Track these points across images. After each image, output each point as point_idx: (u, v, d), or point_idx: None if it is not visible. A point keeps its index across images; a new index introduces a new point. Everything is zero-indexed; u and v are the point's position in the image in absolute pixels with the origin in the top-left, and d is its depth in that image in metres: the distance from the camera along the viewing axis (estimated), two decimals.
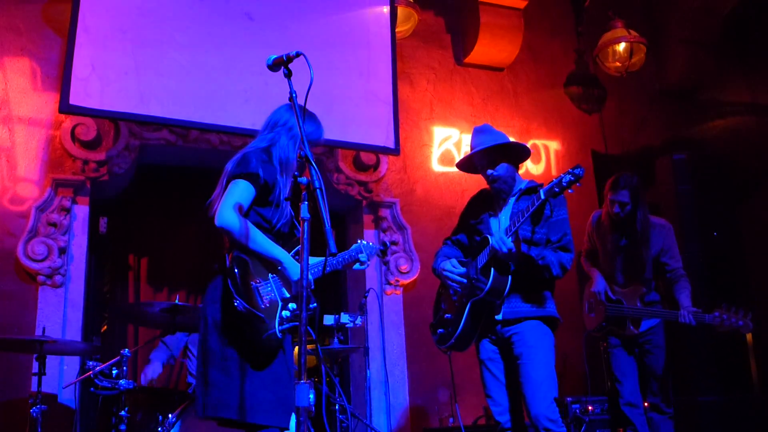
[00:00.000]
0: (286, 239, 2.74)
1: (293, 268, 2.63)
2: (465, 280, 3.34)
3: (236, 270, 2.52)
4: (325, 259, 2.79)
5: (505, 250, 3.08)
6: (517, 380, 3.24)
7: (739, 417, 4.99)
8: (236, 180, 2.61)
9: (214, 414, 2.52)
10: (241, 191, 2.60)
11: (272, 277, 2.62)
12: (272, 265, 2.63)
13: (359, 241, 3.12)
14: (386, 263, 5.27)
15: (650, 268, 4.15)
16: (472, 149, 3.42)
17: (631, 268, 4.15)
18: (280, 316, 2.55)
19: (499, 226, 3.34)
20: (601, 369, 4.38)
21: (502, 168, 3.34)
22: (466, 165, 3.58)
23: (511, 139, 3.38)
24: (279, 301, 2.58)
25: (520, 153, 3.44)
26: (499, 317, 3.25)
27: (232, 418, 2.50)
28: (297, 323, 2.57)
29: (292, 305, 2.60)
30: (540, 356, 3.16)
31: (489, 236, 3.24)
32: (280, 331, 2.52)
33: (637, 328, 4.05)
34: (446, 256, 3.55)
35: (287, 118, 2.80)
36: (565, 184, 3.04)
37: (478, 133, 3.44)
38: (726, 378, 5.11)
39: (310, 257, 2.71)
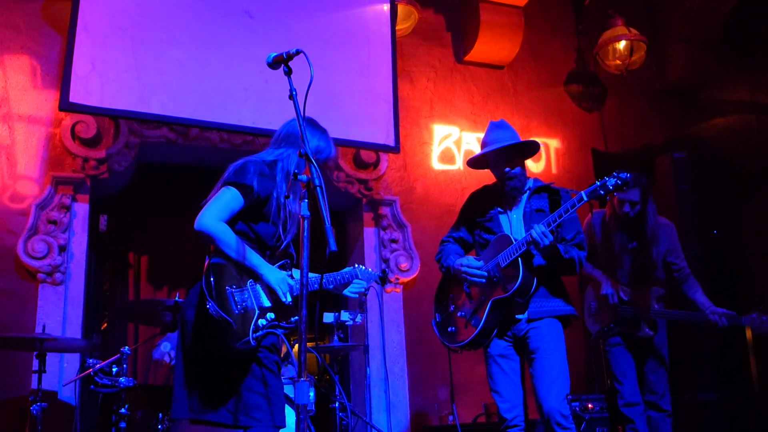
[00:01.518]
0: (270, 250, 2.68)
1: (272, 276, 2.58)
2: (486, 274, 3.27)
3: (212, 274, 2.49)
4: (321, 277, 2.79)
5: (547, 242, 3.03)
6: (528, 374, 3.24)
7: (739, 414, 4.99)
8: (228, 186, 2.59)
9: (201, 416, 2.48)
10: (228, 199, 2.57)
11: (251, 285, 2.57)
12: (252, 273, 2.58)
13: (356, 266, 3.01)
14: (386, 261, 5.27)
15: (661, 269, 4.14)
16: (487, 144, 3.38)
17: (640, 269, 4.11)
18: (256, 324, 2.50)
19: (510, 224, 3.33)
20: (601, 367, 4.38)
21: (518, 167, 3.34)
22: (476, 160, 3.54)
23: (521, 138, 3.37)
24: (256, 309, 2.53)
25: (531, 151, 3.43)
26: (521, 316, 3.23)
27: (221, 422, 2.47)
28: (273, 332, 2.56)
29: (270, 315, 2.56)
30: (555, 352, 3.17)
31: (509, 234, 3.24)
32: (254, 339, 2.47)
33: (653, 330, 4.01)
34: (457, 253, 3.52)
35: (291, 132, 2.74)
36: (611, 187, 3.01)
37: (495, 128, 3.41)
38: (726, 375, 5.11)
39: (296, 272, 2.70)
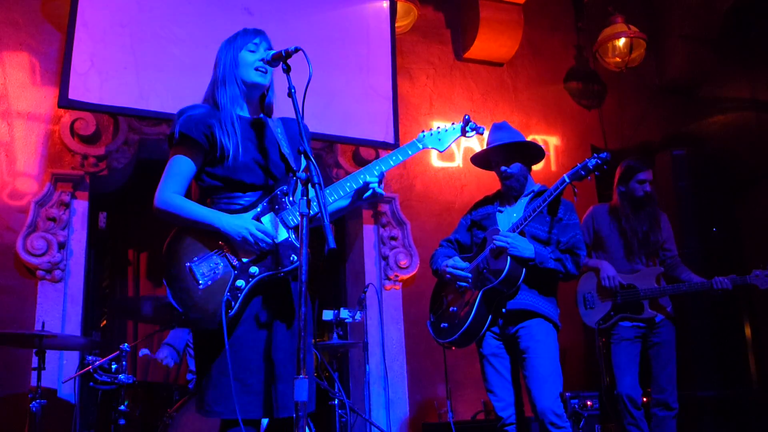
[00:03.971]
0: (263, 188, 2.34)
1: (228, 224, 2.22)
2: (470, 275, 3.31)
3: (166, 257, 2.23)
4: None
5: (514, 252, 3.13)
6: (521, 375, 3.25)
7: (737, 412, 5.00)
8: (171, 156, 2.35)
9: (210, 412, 2.21)
10: (168, 167, 2.34)
11: (217, 251, 2.25)
12: (215, 234, 2.25)
13: (423, 132, 2.67)
14: (385, 258, 5.27)
15: (660, 253, 4.27)
16: (488, 144, 3.45)
17: (644, 244, 4.19)
18: (233, 287, 2.19)
19: (509, 222, 3.35)
20: (600, 364, 4.37)
21: (515, 166, 3.38)
22: (480, 160, 3.61)
23: (528, 139, 3.41)
24: (231, 271, 2.21)
25: (535, 154, 3.47)
26: (503, 309, 3.26)
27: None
28: (262, 279, 2.23)
29: (253, 269, 2.23)
30: (546, 351, 3.18)
31: (498, 228, 3.27)
32: (238, 306, 2.18)
33: (657, 310, 4.07)
34: (446, 256, 3.55)
35: (215, 60, 2.57)
36: (591, 167, 3.08)
37: (496, 129, 3.47)
38: (725, 373, 5.11)
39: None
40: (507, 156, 3.38)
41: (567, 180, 3.12)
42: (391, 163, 2.53)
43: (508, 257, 3.15)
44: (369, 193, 2.46)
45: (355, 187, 2.44)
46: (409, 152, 2.58)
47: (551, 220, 3.29)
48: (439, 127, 2.71)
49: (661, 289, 4.08)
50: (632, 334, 4.10)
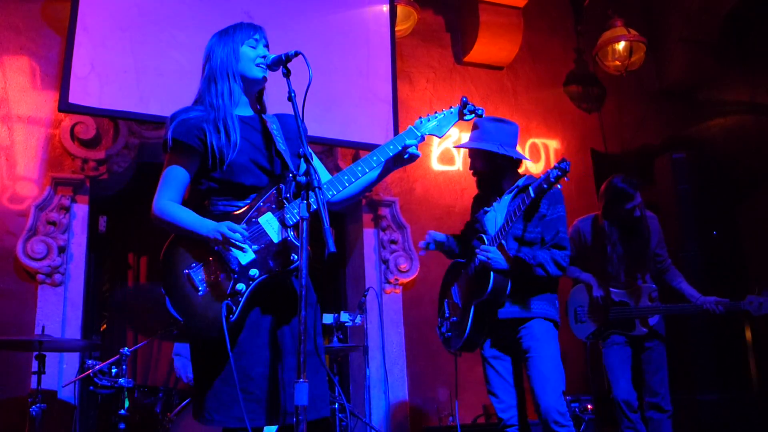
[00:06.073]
0: (265, 186, 2.31)
1: (203, 228, 2.17)
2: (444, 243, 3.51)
3: (164, 265, 2.21)
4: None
5: (495, 266, 3.15)
6: (524, 375, 3.25)
7: (737, 415, 4.99)
8: (167, 165, 2.32)
9: (210, 420, 2.17)
10: (164, 175, 2.30)
11: (215, 256, 2.21)
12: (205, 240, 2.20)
13: (420, 118, 2.60)
14: (385, 262, 5.27)
15: (651, 264, 4.19)
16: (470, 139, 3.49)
17: (635, 267, 4.13)
18: (234, 290, 2.15)
19: (496, 224, 3.35)
20: (599, 368, 4.38)
21: (481, 167, 3.41)
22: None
23: (497, 146, 3.30)
24: (231, 274, 2.17)
25: (500, 155, 3.40)
26: (497, 318, 3.26)
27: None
28: (263, 281, 2.19)
29: (253, 271, 2.18)
30: (548, 350, 3.17)
31: (485, 236, 3.28)
32: (239, 311, 2.14)
33: (648, 327, 4.03)
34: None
35: (207, 53, 2.46)
36: (552, 179, 3.07)
37: (473, 127, 3.47)
38: (725, 376, 5.11)
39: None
40: (472, 155, 3.44)
41: (533, 195, 3.11)
42: (389, 151, 2.49)
43: (491, 272, 3.16)
44: (407, 156, 2.47)
45: (383, 159, 2.44)
46: (407, 141, 2.52)
47: (532, 217, 3.28)
48: (436, 113, 2.65)
49: (653, 307, 4.02)
50: (623, 339, 4.09)
